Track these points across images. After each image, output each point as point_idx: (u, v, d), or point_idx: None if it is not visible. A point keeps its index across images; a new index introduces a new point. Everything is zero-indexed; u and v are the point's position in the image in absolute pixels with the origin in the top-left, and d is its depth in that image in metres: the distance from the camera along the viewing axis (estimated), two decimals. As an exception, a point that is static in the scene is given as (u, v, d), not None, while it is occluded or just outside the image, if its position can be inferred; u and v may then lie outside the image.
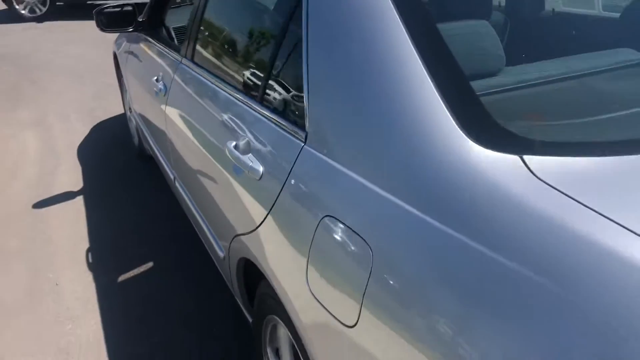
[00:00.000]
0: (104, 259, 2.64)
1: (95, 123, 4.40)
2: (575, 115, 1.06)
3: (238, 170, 1.47)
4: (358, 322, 0.97)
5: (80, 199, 3.21)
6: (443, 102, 0.96)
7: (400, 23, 1.06)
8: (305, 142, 1.21)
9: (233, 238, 1.56)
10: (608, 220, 0.74)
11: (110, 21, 2.65)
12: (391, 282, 0.90)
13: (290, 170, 1.23)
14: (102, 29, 2.64)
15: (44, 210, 3.11)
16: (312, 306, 1.11)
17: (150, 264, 2.59)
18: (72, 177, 3.50)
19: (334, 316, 1.04)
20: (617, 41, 1.49)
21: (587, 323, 0.67)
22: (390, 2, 1.10)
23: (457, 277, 0.80)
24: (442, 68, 1.01)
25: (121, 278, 2.50)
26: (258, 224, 1.35)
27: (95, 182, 3.42)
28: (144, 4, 2.82)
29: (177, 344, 2.09)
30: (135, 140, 3.61)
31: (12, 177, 3.54)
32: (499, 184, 0.84)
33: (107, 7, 2.66)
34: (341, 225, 1.04)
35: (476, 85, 1.07)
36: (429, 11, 1.14)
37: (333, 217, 1.07)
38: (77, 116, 4.58)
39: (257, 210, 1.36)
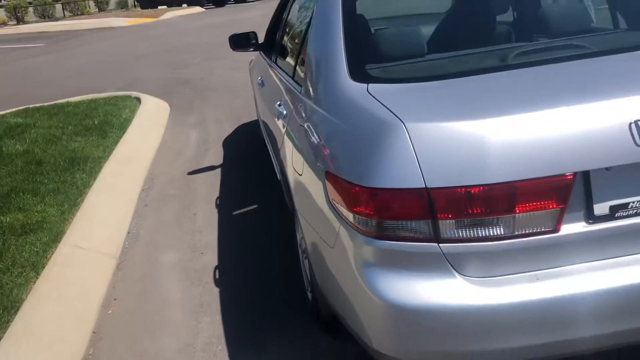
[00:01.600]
0: (226, 203, 3.90)
1: (238, 125, 5.84)
2: (415, 72, 1.96)
3: (279, 117, 2.57)
4: (303, 172, 2.01)
5: (218, 170, 4.56)
6: (346, 65, 1.97)
7: (342, 33, 2.08)
8: (300, 93, 2.28)
9: (277, 157, 2.66)
10: (386, 109, 1.68)
11: (238, 43, 3.90)
12: (307, 144, 1.93)
13: (292, 108, 2.30)
14: (233, 49, 3.91)
15: (194, 175, 4.51)
16: (292, 170, 2.17)
17: (255, 206, 3.79)
18: (216, 157, 4.89)
19: (295, 170, 2.08)
20: (536, 35, 2.26)
21: (352, 143, 1.66)
22: (340, 22, 2.11)
23: (329, 138, 1.81)
24: (351, 55, 2.00)
25: (235, 212, 3.73)
26: (281, 143, 2.44)
27: (230, 160, 4.76)
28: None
29: (260, 245, 3.22)
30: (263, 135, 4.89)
31: (178, 156, 5.04)
32: (352, 96, 1.83)
33: (237, 33, 3.92)
34: (301, 126, 2.09)
35: (385, 61, 2.03)
36: (359, 25, 2.13)
37: (302, 125, 2.11)
38: (227, 120, 6.07)
39: (281, 134, 2.45)
